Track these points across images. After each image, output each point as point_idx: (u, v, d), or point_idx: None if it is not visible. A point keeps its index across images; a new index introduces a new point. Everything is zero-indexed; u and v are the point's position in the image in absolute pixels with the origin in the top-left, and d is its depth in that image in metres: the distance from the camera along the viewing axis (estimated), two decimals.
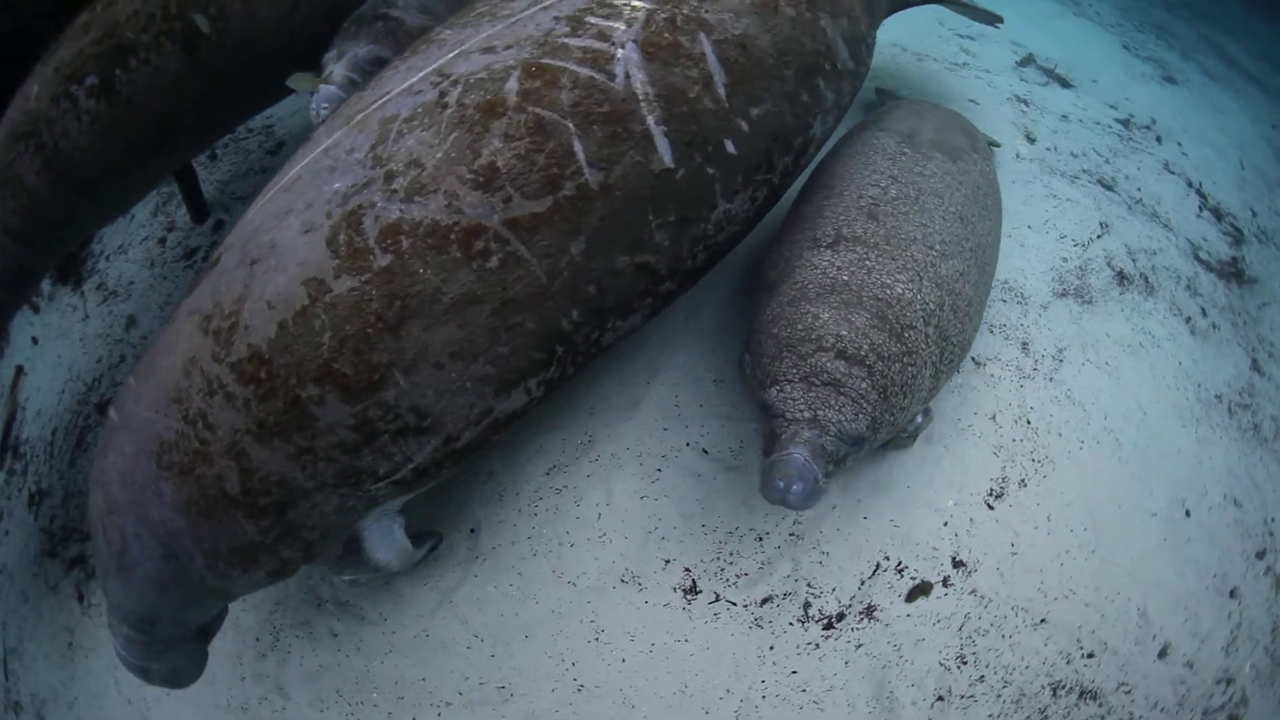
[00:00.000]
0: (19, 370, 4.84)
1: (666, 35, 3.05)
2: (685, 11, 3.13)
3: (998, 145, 5.04)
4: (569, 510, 3.72)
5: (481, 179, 2.74)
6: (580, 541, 3.64)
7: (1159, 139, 5.73)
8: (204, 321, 2.74)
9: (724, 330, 4.13)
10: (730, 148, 3.17)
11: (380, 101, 2.97)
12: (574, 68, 2.91)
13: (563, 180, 2.83)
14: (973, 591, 3.61)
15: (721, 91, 3.11)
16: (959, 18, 5.94)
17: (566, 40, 2.95)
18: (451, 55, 3.00)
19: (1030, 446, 3.96)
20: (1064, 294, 4.53)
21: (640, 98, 2.94)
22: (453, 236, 2.72)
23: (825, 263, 3.38)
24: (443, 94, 2.87)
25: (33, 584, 4.27)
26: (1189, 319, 4.67)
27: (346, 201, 2.73)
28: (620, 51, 2.96)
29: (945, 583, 3.62)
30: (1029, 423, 4.02)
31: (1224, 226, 5.32)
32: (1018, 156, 5.24)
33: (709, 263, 3.44)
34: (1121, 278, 4.69)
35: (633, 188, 2.96)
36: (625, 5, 3.07)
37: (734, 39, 3.16)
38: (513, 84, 2.86)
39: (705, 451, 3.81)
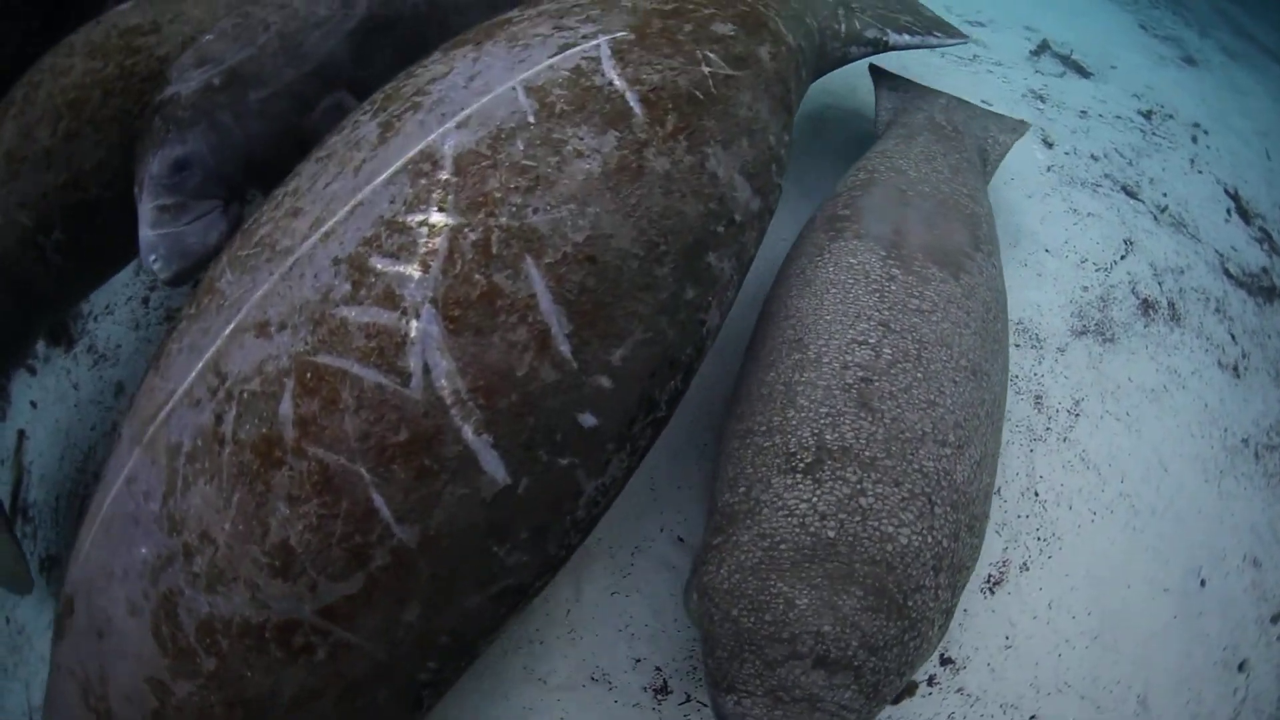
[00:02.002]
0: (21, 434, 4.28)
1: (478, 278, 1.89)
2: (504, 220, 1.92)
3: (1019, 137, 3.69)
4: (538, 607, 3.12)
5: (278, 563, 1.87)
6: (550, 639, 3.08)
7: (1188, 135, 4.63)
8: (83, 693, 2.07)
9: (708, 395, 3.33)
10: (589, 420, 2.02)
11: (165, 410, 1.98)
12: (356, 370, 1.84)
13: (370, 549, 1.89)
14: (959, 690, 2.93)
15: (565, 349, 1.94)
16: (967, 1, 4.92)
17: (347, 313, 1.86)
18: (227, 332, 1.95)
19: (1037, 524, 3.15)
20: (1084, 332, 3.61)
21: (449, 403, 1.86)
22: (267, 635, 1.94)
23: (804, 504, 2.21)
24: (219, 417, 1.89)
25: (50, 649, 3.89)
26: (1218, 348, 3.75)
27: (157, 580, 1.92)
28: (414, 326, 1.84)
29: (930, 682, 2.93)
30: (1037, 495, 3.20)
31: (1253, 230, 4.30)
32: (1047, 170, 4.18)
33: (590, 530, 2.35)
34: (1146, 306, 3.75)
35: (463, 528, 1.95)
36: (421, 225, 1.90)
37: (576, 253, 1.97)
38: (287, 407, 1.84)
39: (680, 540, 3.11)
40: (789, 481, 2.26)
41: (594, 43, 2.22)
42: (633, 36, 2.26)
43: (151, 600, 1.90)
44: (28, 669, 3.82)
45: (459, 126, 2.04)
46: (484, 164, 1.96)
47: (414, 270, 1.86)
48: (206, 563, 1.86)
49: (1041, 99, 4.51)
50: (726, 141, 2.29)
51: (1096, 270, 3.80)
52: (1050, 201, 4.02)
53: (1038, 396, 3.39)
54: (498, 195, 1.94)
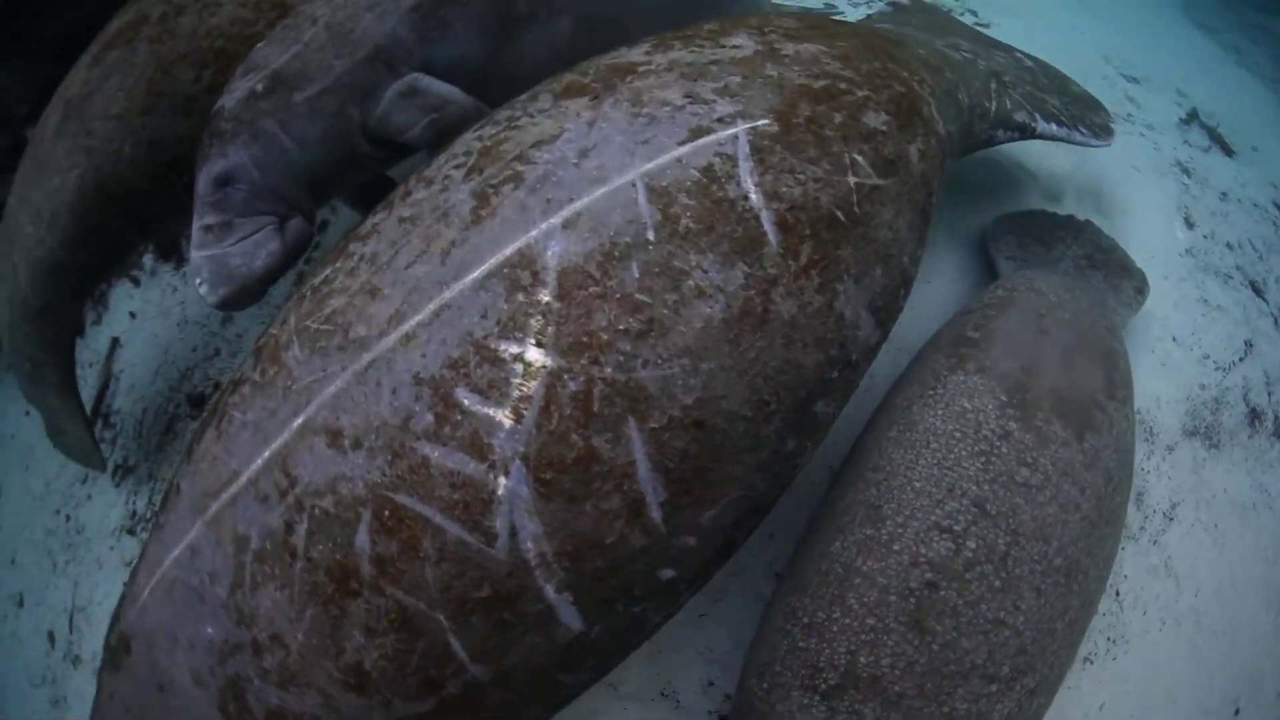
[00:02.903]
0: (115, 341, 4.08)
1: (575, 438, 1.56)
2: (609, 372, 1.57)
3: (1143, 294, 3.21)
4: None
5: (353, 680, 1.68)
6: None
7: None
8: None
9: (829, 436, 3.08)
10: (668, 574, 1.76)
11: (230, 492, 1.71)
12: (439, 520, 1.57)
13: (444, 681, 1.69)
14: None
15: (656, 517, 1.65)
16: (1124, 54, 4.31)
17: (429, 451, 1.56)
18: (296, 426, 1.66)
19: (1111, 622, 2.85)
20: (1194, 433, 3.19)
21: (533, 565, 1.60)
22: None
23: None
24: (289, 526, 1.63)
25: (109, 555, 3.65)
26: None
27: (225, 663, 1.73)
28: (502, 484, 1.55)
29: None
30: (1118, 594, 2.89)
31: None
32: (1186, 252, 3.67)
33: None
34: (1254, 416, 3.31)
35: (535, 667, 1.74)
36: (515, 360, 1.56)
37: (683, 416, 1.62)
38: (363, 540, 1.58)
39: (777, 575, 2.84)
40: (804, 701, 1.94)
41: (731, 132, 1.78)
42: (776, 127, 1.82)
43: (218, 679, 1.72)
44: (79, 568, 3.72)
45: (565, 226, 1.65)
46: (591, 290, 1.60)
47: (505, 417, 1.56)
48: (277, 663, 1.67)
49: (1187, 173, 3.94)
50: (860, 274, 1.87)
51: (1216, 369, 3.36)
52: (1184, 287, 3.55)
53: (1140, 493, 3.02)
54: (604, 338, 1.58)
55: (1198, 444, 3.18)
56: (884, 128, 1.98)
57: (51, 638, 3.61)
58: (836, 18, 2.67)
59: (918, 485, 2.07)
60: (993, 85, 2.74)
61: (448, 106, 2.58)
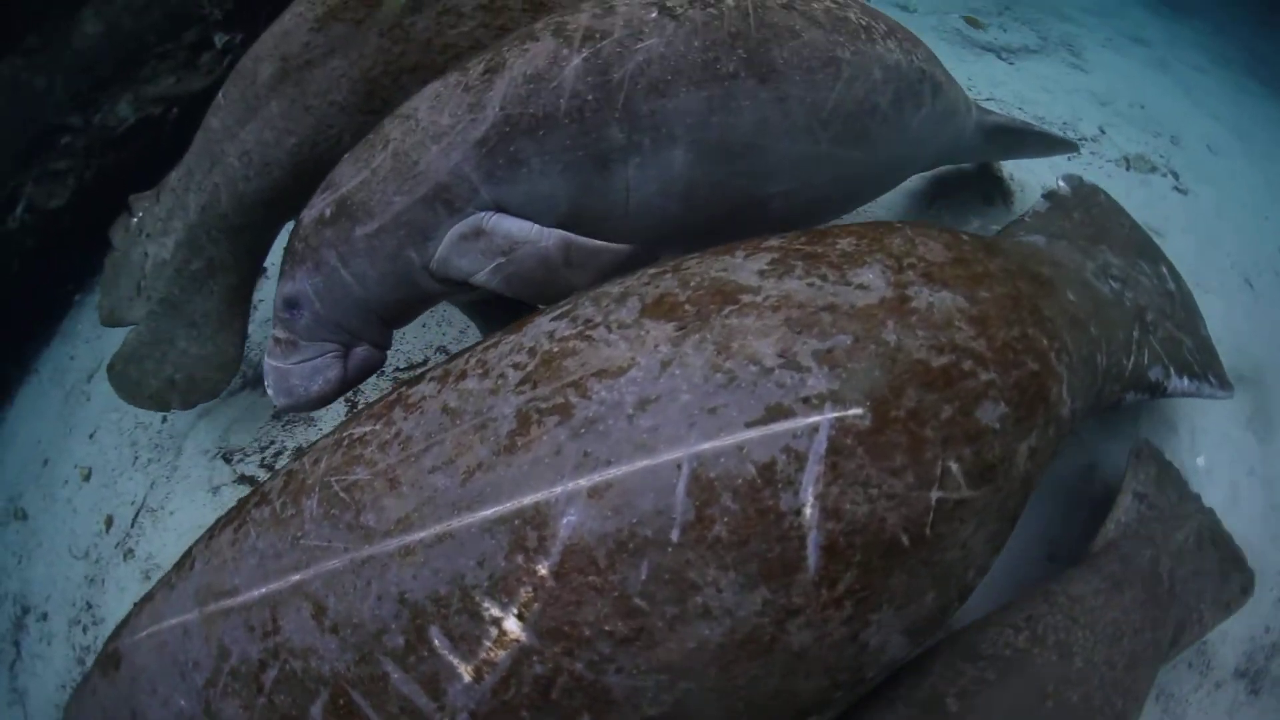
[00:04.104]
0: (262, 269, 3.83)
1: (525, 715, 1.42)
2: (579, 668, 1.42)
3: (1227, 618, 2.72)
4: None
5: None
6: None
7: None
8: None
9: None
10: None
11: (227, 603, 1.66)
12: None
13: None
14: None
15: None
16: None
17: (390, 669, 1.44)
18: (292, 581, 1.57)
19: None
20: (1243, 674, 2.89)
21: None
22: None
23: None
24: (263, 664, 1.56)
25: (195, 471, 3.52)
26: None
27: None
28: None
29: None
30: None
31: None
32: None
33: None
34: None
35: None
36: (492, 623, 1.41)
37: None
38: (317, 712, 1.50)
39: None
40: None
41: (813, 421, 1.47)
42: (868, 422, 1.49)
43: None
44: (159, 470, 3.65)
45: (591, 494, 1.43)
46: (591, 579, 1.39)
47: (466, 672, 1.41)
48: None
49: None
50: (904, 603, 1.54)
51: None
52: None
53: None
54: (586, 634, 1.38)
55: (1242, 686, 2.88)
56: (997, 424, 1.64)
57: (110, 521, 3.55)
58: (993, 239, 2.30)
59: None
60: (1135, 334, 2.33)
61: (519, 249, 2.22)
